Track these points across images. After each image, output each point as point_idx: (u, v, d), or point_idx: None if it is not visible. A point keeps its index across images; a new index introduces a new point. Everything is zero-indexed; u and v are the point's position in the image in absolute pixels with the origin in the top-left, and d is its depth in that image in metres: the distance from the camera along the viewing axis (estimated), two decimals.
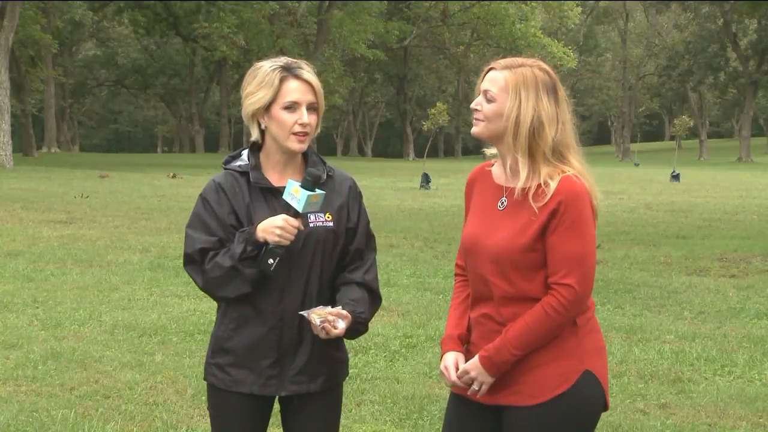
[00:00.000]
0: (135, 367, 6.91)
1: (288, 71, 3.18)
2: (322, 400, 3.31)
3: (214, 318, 3.41)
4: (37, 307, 8.91)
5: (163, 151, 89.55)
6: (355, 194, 3.32)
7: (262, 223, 3.13)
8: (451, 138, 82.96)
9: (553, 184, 3.02)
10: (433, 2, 58.91)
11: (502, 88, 3.08)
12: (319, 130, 3.27)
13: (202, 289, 3.23)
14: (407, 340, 7.83)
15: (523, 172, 3.06)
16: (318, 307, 3.14)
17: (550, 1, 57.18)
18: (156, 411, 5.92)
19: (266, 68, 3.20)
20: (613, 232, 16.60)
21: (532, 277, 3.05)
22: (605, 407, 3.12)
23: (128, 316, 8.59)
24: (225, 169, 3.28)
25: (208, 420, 3.46)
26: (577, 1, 60.98)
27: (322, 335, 3.11)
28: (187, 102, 74.88)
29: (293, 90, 3.17)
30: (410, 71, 74.31)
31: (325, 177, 3.23)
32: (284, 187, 3.17)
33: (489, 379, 3.07)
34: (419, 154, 70.65)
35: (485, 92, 3.11)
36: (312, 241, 3.20)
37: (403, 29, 60.32)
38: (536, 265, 3.04)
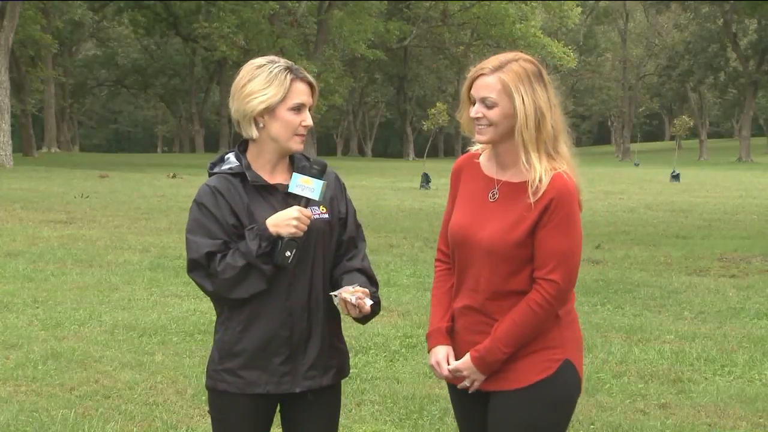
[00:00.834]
0: (135, 367, 6.92)
1: (293, 73, 3.22)
2: (326, 398, 3.32)
3: (214, 318, 3.39)
4: (37, 307, 8.91)
5: (163, 151, 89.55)
6: (340, 185, 3.39)
7: (271, 218, 3.16)
8: (451, 138, 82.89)
9: (545, 181, 3.10)
10: (433, 2, 58.84)
11: (500, 91, 3.13)
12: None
13: (212, 293, 3.20)
14: (407, 340, 7.84)
15: (537, 164, 3.12)
16: (342, 288, 3.18)
17: (550, 1, 57.08)
18: (156, 411, 5.92)
19: (272, 68, 3.21)
20: (613, 232, 16.61)
21: (519, 271, 3.15)
22: (580, 392, 3.29)
23: (128, 316, 8.59)
24: (214, 173, 3.28)
25: (209, 420, 3.45)
26: (577, 1, 60.88)
27: (354, 313, 3.16)
28: (187, 102, 74.85)
29: (301, 92, 3.22)
30: (410, 71, 74.27)
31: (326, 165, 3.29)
32: (280, 184, 3.23)
33: (481, 377, 3.21)
34: (419, 154, 70.67)
35: (483, 99, 3.16)
36: (313, 234, 3.23)
37: (403, 29, 60.21)
38: (525, 260, 3.15)
